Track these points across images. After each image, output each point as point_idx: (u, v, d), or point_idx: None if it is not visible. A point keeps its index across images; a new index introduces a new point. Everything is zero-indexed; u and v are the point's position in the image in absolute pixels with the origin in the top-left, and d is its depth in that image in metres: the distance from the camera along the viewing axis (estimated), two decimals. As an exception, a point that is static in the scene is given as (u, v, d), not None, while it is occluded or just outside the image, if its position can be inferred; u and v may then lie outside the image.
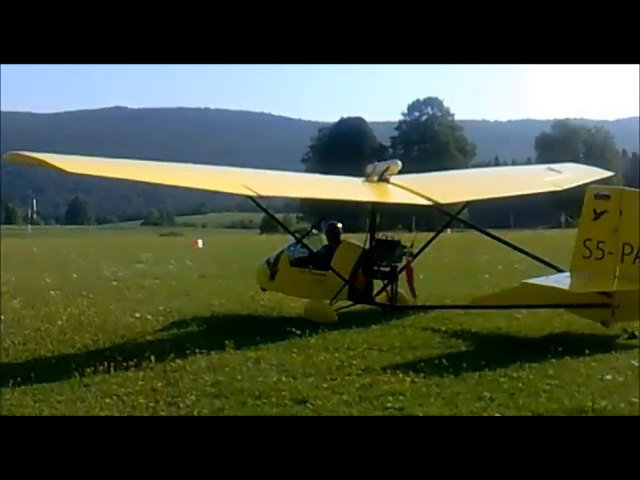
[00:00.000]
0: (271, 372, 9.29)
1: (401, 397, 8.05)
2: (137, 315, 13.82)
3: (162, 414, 7.62)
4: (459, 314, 12.62)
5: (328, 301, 13.09)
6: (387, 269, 13.20)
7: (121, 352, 10.53)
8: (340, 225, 13.98)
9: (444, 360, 9.63)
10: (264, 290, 14.62)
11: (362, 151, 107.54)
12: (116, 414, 7.64)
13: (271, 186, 12.37)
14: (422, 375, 8.97)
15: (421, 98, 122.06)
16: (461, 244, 34.90)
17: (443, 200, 12.81)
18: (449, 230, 75.52)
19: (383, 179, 13.32)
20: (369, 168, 13.64)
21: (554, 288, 10.64)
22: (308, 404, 7.86)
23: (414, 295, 13.24)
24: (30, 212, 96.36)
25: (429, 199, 12.63)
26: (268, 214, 15.92)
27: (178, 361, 9.92)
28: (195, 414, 7.59)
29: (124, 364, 9.83)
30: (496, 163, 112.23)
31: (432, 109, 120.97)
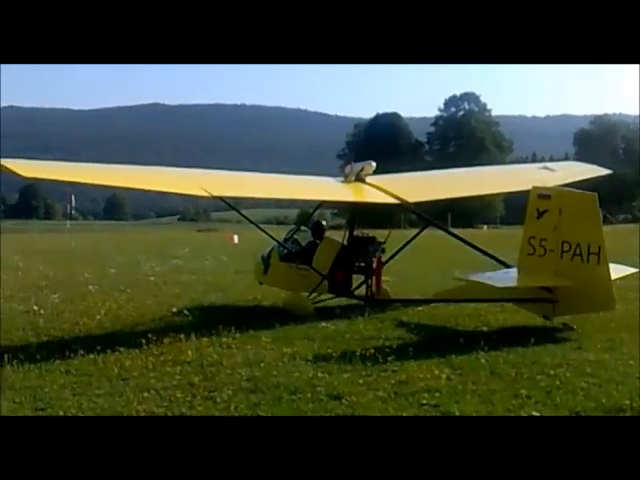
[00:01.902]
0: (307, 367, 9.32)
1: (437, 394, 8.03)
2: (174, 310, 13.95)
3: (199, 409, 7.69)
4: (496, 311, 12.56)
5: (306, 294, 13.71)
6: (362, 264, 13.76)
7: (158, 346, 10.66)
8: (325, 222, 14.92)
9: (480, 357, 9.61)
10: (261, 283, 15.39)
11: (398, 147, 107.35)
12: (154, 408, 7.72)
13: (229, 187, 13.08)
14: (458, 372, 8.94)
15: (458, 93, 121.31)
16: (497, 241, 34.61)
17: (411, 199, 13.57)
18: (485, 226, 75.22)
19: (359, 179, 14.05)
20: (347, 169, 14.36)
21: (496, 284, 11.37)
22: (343, 400, 7.87)
23: (378, 290, 13.71)
24: (69, 208, 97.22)
25: (398, 198, 13.45)
26: (240, 213, 16.34)
27: (215, 356, 10.01)
28: (231, 409, 7.64)
29: (161, 358, 9.95)
30: (533, 159, 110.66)
31: (469, 104, 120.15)
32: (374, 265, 13.66)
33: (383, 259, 13.80)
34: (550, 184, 13.51)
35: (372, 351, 10.04)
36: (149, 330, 11.86)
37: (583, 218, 10.75)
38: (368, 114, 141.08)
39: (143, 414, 7.52)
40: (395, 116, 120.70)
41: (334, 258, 13.76)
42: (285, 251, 14.53)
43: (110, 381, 8.90)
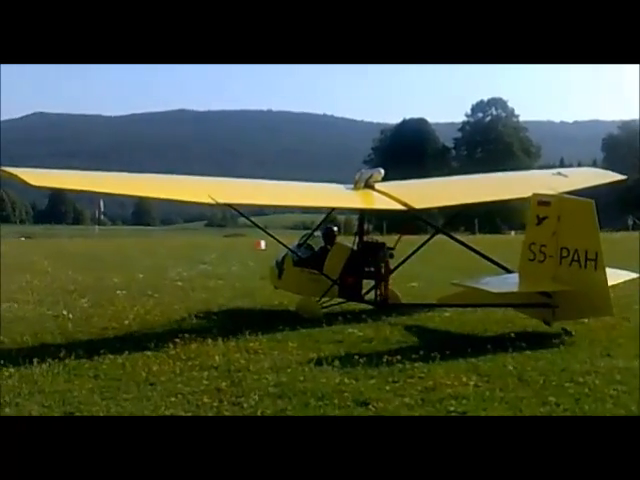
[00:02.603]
0: (333, 373, 9.30)
1: (464, 401, 7.98)
2: (201, 315, 14.01)
3: (226, 414, 7.71)
4: (524, 317, 12.46)
5: (316, 298, 13.97)
6: (372, 269, 14.02)
7: (186, 351, 10.71)
8: (336, 229, 15.14)
9: (508, 364, 9.54)
10: (276, 288, 15.67)
11: (425, 152, 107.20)
12: (181, 413, 7.75)
13: (236, 194, 13.27)
14: (485, 379, 8.89)
15: (485, 99, 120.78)
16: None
17: (417, 205, 13.71)
18: (513, 232, 74.75)
19: (368, 186, 14.26)
20: (357, 175, 14.53)
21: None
22: (370, 406, 7.85)
23: (386, 294, 13.97)
24: (97, 213, 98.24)
25: (405, 204, 13.61)
26: (247, 218, 16.87)
27: (242, 361, 10.04)
28: (258, 414, 7.65)
29: (189, 363, 10.00)
30: (561, 164, 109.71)
31: (496, 110, 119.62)
32: (382, 270, 13.89)
33: (392, 265, 13.98)
34: (562, 190, 13.68)
35: (399, 357, 10.02)
36: (176, 335, 11.92)
37: (581, 225, 10.88)
38: (394, 119, 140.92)
39: (171, 419, 7.57)
40: (422, 121, 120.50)
41: (344, 263, 14.08)
42: (297, 256, 14.78)
43: (138, 385, 8.95)
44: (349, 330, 12.28)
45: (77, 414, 7.80)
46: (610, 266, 11.24)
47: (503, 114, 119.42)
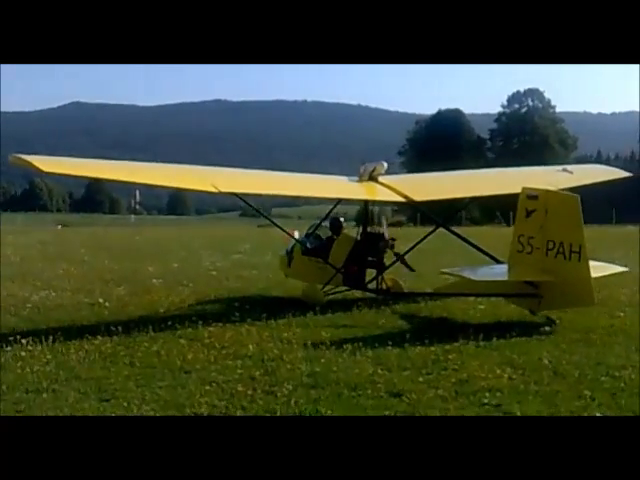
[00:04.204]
0: (367, 364, 9.32)
1: (498, 394, 7.96)
2: (235, 304, 14.09)
3: (260, 402, 7.76)
4: (560, 310, 12.35)
5: (320, 286, 14.54)
6: (373, 259, 14.53)
7: (220, 340, 10.79)
8: (342, 219, 15.74)
9: (543, 357, 9.48)
10: (286, 276, 16.28)
11: (459, 144, 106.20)
12: (215, 401, 7.83)
13: (239, 184, 13.84)
14: (520, 372, 8.85)
15: (521, 89, 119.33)
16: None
17: (417, 198, 14.37)
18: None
19: (372, 178, 14.74)
20: (361, 169, 14.99)
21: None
22: (404, 397, 7.86)
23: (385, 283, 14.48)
24: (133, 202, 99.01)
25: (405, 197, 14.23)
26: (253, 208, 17.36)
27: (275, 351, 10.10)
28: (292, 404, 7.70)
29: (223, 352, 10.08)
30: (598, 157, 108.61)
31: (532, 101, 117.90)
32: (383, 260, 14.47)
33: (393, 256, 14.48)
34: (564, 186, 14.17)
35: (432, 349, 10.01)
36: (211, 324, 12.01)
37: (566, 218, 11.25)
38: (429, 110, 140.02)
39: (205, 407, 7.64)
40: (457, 112, 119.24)
41: (348, 253, 14.57)
42: (305, 246, 15.38)
43: (173, 373, 9.05)
44: (382, 321, 12.30)
45: (112, 401, 7.91)
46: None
47: (539, 105, 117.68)
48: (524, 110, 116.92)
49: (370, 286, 14.58)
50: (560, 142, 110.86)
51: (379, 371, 8.93)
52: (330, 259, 14.61)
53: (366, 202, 15.27)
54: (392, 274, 14.84)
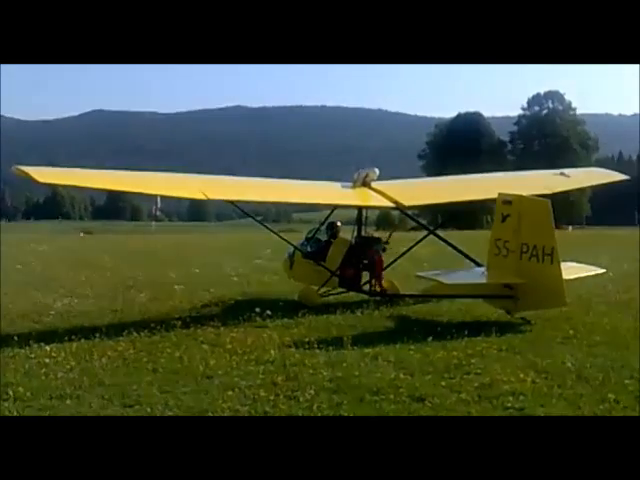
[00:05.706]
0: (388, 369, 9.31)
1: (521, 397, 7.93)
2: (257, 310, 14.10)
3: (282, 407, 7.77)
4: (583, 314, 12.28)
5: (316, 288, 15.13)
6: (366, 261, 14.98)
7: (242, 345, 10.81)
8: (339, 224, 15.96)
9: (566, 360, 9.42)
10: (289, 279, 16.73)
11: (479, 147, 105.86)
12: (238, 406, 7.84)
13: (228, 191, 14.26)
14: (543, 375, 8.80)
15: (542, 92, 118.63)
16: (583, 241, 33.90)
17: (407, 203, 14.98)
18: (570, 227, 73.63)
19: (365, 184, 15.19)
20: (355, 175, 15.42)
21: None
22: (426, 402, 7.84)
23: (380, 285, 14.91)
24: (154, 209, 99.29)
25: (396, 202, 14.66)
26: (247, 214, 17.79)
27: (297, 356, 10.10)
28: (314, 409, 7.70)
29: (245, 357, 10.10)
30: (619, 158, 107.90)
31: (553, 103, 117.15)
32: (376, 263, 14.85)
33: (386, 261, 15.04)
34: (560, 189, 14.55)
35: (454, 353, 9.97)
36: (233, 329, 12.04)
37: (538, 222, 11.66)
38: (448, 114, 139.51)
39: (228, 412, 7.66)
40: (477, 115, 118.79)
41: (343, 256, 15.05)
42: (305, 249, 15.85)
43: (195, 379, 9.07)
44: (403, 326, 12.27)
45: (136, 407, 7.95)
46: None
47: (560, 107, 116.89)
48: (544, 112, 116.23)
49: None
50: (581, 144, 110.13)
51: (401, 375, 8.92)
52: (327, 262, 15.13)
53: (359, 208, 15.61)
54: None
